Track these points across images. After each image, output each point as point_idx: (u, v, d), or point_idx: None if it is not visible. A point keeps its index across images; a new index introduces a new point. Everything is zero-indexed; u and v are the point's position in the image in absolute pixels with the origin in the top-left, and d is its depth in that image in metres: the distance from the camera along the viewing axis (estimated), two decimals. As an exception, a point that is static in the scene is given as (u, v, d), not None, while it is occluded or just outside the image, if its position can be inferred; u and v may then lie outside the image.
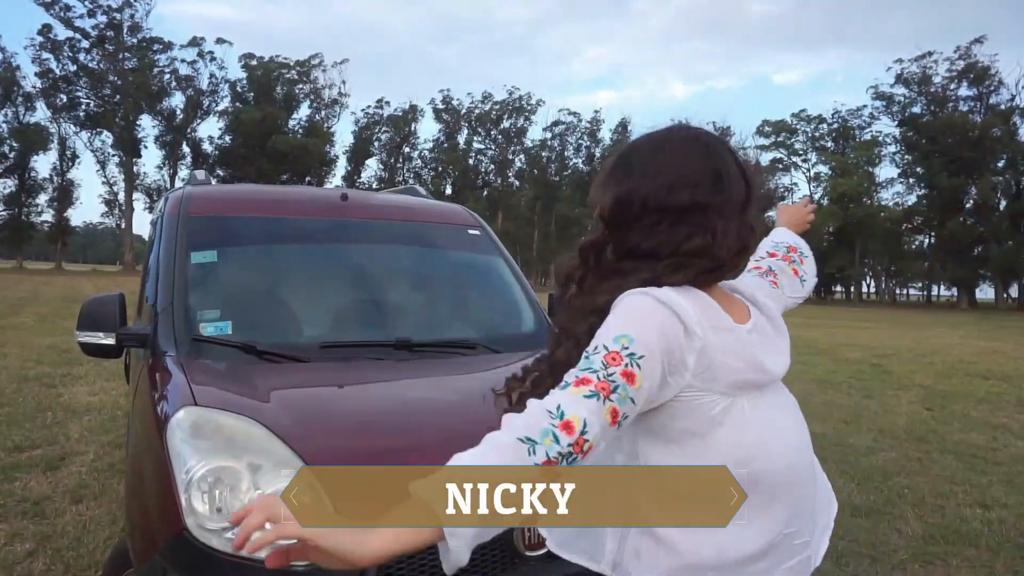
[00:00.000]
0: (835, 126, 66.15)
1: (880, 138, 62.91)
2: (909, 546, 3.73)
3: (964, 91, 56.62)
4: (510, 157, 70.70)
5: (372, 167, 71.00)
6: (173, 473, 1.76)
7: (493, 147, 70.83)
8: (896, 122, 60.58)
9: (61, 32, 55.40)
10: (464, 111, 70.69)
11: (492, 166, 71.45)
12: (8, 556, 3.19)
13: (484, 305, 3.18)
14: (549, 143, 72.65)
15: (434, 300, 3.12)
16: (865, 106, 63.98)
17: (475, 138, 70.99)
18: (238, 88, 64.35)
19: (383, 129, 70.47)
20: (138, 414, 2.39)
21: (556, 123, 72.80)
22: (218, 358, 2.35)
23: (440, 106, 70.72)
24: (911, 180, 60.40)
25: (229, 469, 1.74)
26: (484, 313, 3.12)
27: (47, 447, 4.93)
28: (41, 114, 57.18)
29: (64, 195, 58.07)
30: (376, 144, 70.88)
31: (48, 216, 59.32)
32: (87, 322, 2.53)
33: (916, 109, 59.05)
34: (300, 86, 66.00)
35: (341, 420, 2.08)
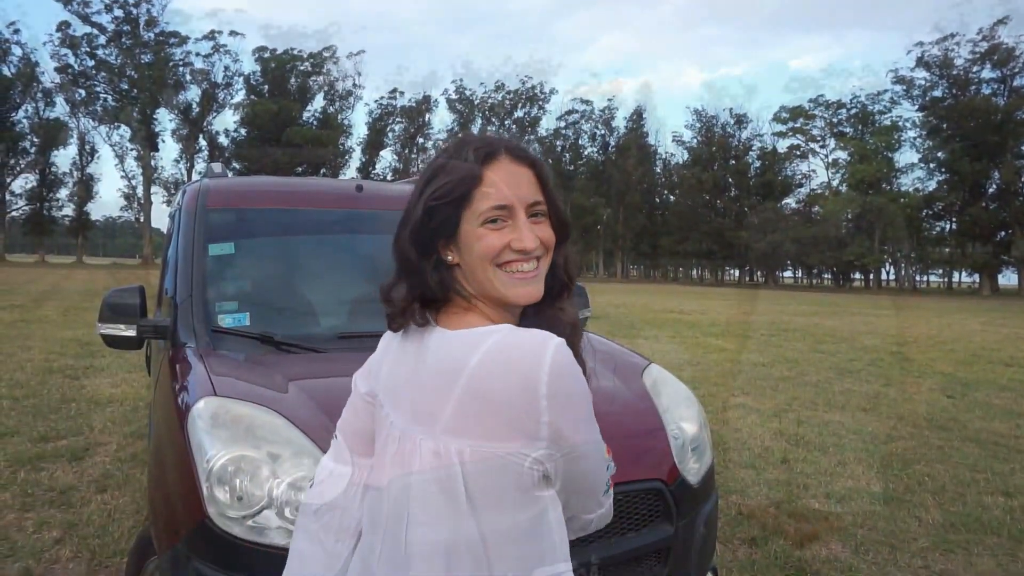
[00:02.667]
0: (854, 111, 65.23)
1: (900, 123, 61.99)
2: (929, 534, 3.70)
3: (987, 73, 55.57)
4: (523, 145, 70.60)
5: (386, 158, 71.20)
6: (194, 462, 1.79)
7: (507, 137, 70.61)
8: (917, 106, 59.61)
9: (79, 28, 55.95)
10: (478, 101, 70.55)
11: None
12: (36, 544, 3.26)
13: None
14: (563, 132, 72.38)
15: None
16: (886, 91, 62.97)
17: (489, 128, 70.85)
18: (252, 81, 64.69)
19: (397, 120, 70.58)
20: (159, 405, 2.42)
21: (570, 112, 72.47)
22: (237, 349, 2.38)
23: (453, 96, 70.66)
24: (932, 165, 59.48)
25: (249, 458, 1.76)
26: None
27: (72, 437, 5.02)
28: (60, 109, 57.90)
29: (84, 190, 58.83)
30: (390, 135, 71.02)
31: (69, 211, 60.19)
32: (108, 314, 2.57)
33: (937, 93, 58.05)
34: (314, 78, 66.21)
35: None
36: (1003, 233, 54.44)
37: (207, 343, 2.38)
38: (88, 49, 56.60)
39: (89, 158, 59.01)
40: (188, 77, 60.40)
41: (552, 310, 1.10)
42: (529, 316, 1.09)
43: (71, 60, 56.43)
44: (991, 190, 55.61)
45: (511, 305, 1.06)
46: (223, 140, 63.77)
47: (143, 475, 4.11)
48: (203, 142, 62.88)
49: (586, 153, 73.64)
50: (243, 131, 63.48)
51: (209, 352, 2.32)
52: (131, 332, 2.58)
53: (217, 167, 3.64)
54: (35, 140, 55.81)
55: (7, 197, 56.32)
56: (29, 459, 4.46)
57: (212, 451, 1.77)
